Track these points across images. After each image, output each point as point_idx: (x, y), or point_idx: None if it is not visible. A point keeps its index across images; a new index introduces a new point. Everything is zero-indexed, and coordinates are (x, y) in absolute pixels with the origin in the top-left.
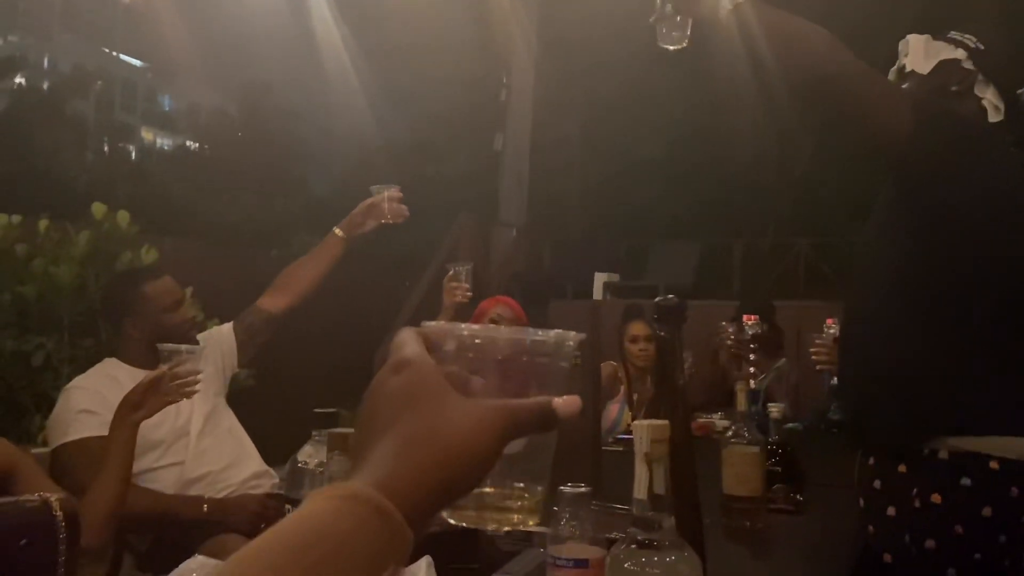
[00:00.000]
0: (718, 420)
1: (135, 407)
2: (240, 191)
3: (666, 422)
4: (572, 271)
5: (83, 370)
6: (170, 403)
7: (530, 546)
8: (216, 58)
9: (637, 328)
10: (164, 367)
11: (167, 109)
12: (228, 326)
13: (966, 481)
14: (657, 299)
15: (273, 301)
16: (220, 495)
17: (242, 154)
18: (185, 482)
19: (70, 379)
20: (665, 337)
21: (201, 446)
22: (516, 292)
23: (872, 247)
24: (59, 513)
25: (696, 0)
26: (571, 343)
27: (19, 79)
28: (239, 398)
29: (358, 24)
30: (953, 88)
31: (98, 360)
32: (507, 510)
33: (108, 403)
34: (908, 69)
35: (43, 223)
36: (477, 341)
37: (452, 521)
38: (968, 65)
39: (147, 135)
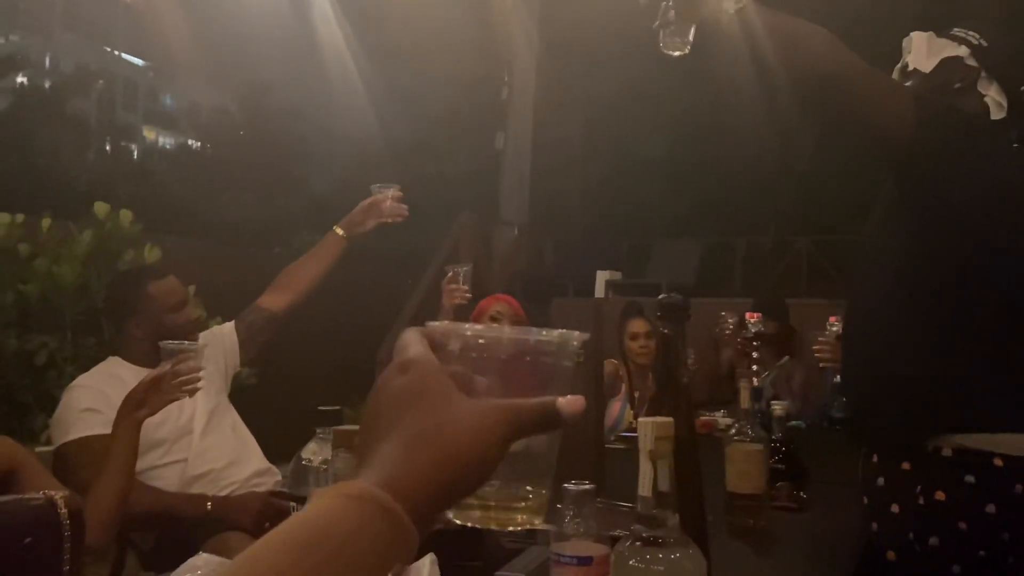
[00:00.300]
0: (721, 418)
1: (137, 405)
2: (241, 190)
3: (670, 419)
4: (574, 269)
5: (86, 369)
6: (172, 401)
7: (534, 543)
8: (217, 57)
9: (636, 325)
10: (166, 365)
11: (169, 108)
12: (230, 325)
13: (970, 478)
14: (660, 297)
15: (274, 300)
16: (223, 493)
17: (243, 153)
18: (188, 480)
19: (73, 378)
20: (668, 335)
21: (204, 444)
22: (518, 291)
23: (874, 244)
24: (63, 511)
25: (698, 5)
26: (575, 343)
27: (21, 78)
28: (242, 396)
29: (359, 23)
30: (956, 85)
31: (101, 359)
32: (511, 509)
33: (111, 402)
34: (911, 67)
35: (45, 222)
36: (481, 341)
37: (456, 521)
38: (971, 62)
39: (149, 134)
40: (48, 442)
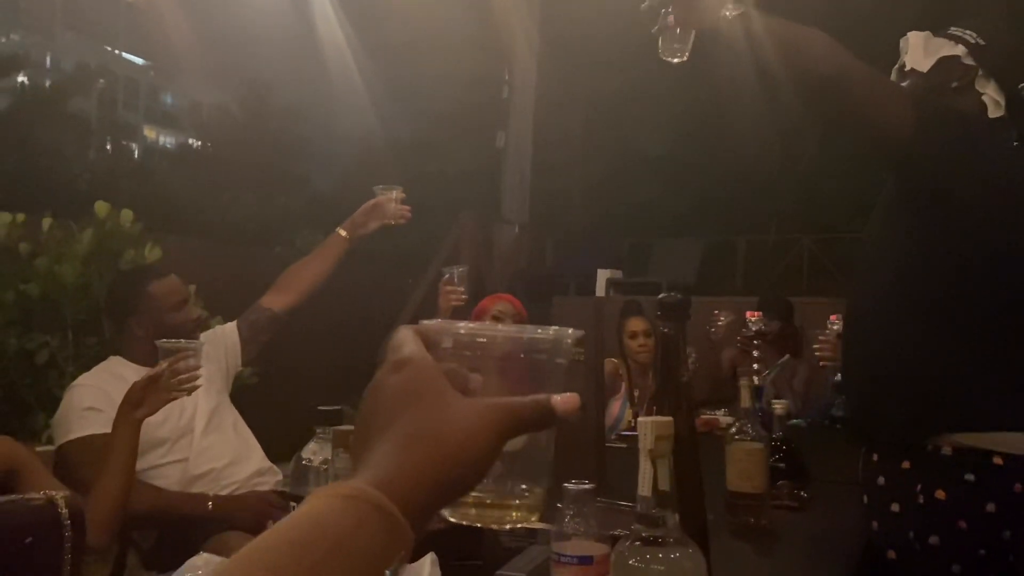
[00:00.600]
0: (722, 416)
1: (137, 404)
2: (242, 189)
3: (670, 419)
4: (575, 268)
5: (87, 368)
6: (171, 400)
7: (534, 543)
8: (218, 56)
9: (635, 324)
10: (164, 363)
11: (169, 107)
12: (231, 324)
13: (970, 477)
14: (660, 296)
15: (276, 300)
16: (224, 492)
17: (244, 152)
18: (189, 479)
19: (74, 377)
20: (668, 334)
21: (205, 443)
22: (519, 289)
23: (874, 244)
24: (64, 511)
25: (696, 12)
26: (569, 340)
27: (21, 78)
28: (243, 395)
29: (360, 22)
30: (954, 84)
31: (102, 358)
32: (507, 508)
33: (113, 401)
34: (908, 67)
35: (46, 221)
36: (475, 339)
37: (452, 519)
38: (968, 61)
39: (150, 133)
40: (49, 441)
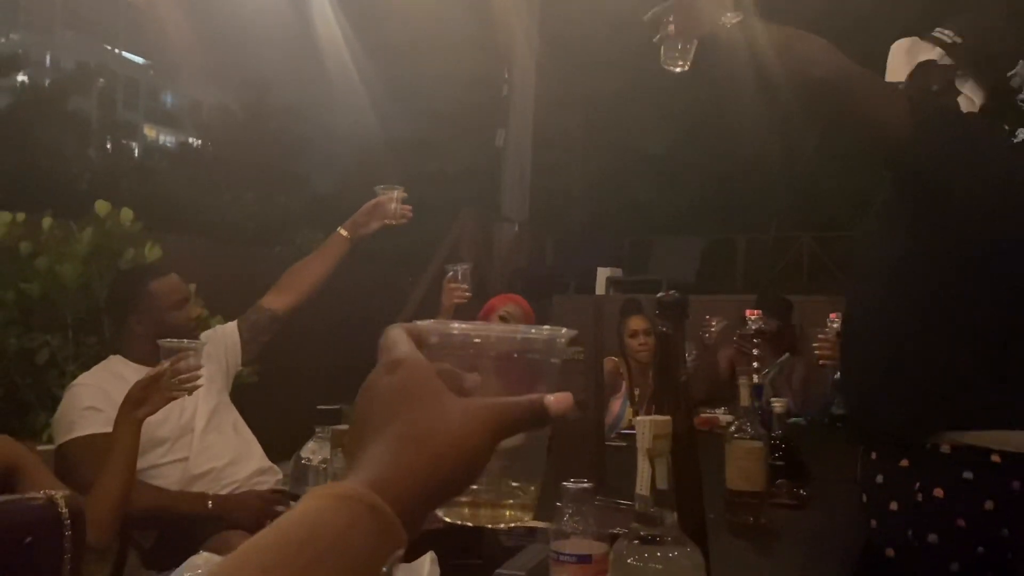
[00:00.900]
0: (721, 415)
1: (138, 404)
2: (243, 188)
3: (668, 418)
4: (575, 266)
5: (87, 367)
6: (172, 399)
7: (533, 541)
8: (218, 55)
9: (636, 323)
10: (165, 363)
11: (169, 106)
12: (232, 324)
13: (968, 475)
14: (658, 294)
15: (277, 300)
16: (224, 491)
17: (244, 151)
18: (189, 478)
19: (75, 376)
20: (667, 332)
21: (205, 442)
22: (519, 288)
23: (872, 242)
24: (64, 510)
25: (697, 21)
26: (561, 340)
27: (21, 77)
28: (243, 394)
29: (359, 21)
30: (934, 88)
31: (102, 357)
32: (501, 507)
33: (113, 400)
34: (888, 79)
35: (46, 221)
36: (469, 339)
37: (447, 519)
38: (945, 61)
39: (150, 132)
40: (49, 441)
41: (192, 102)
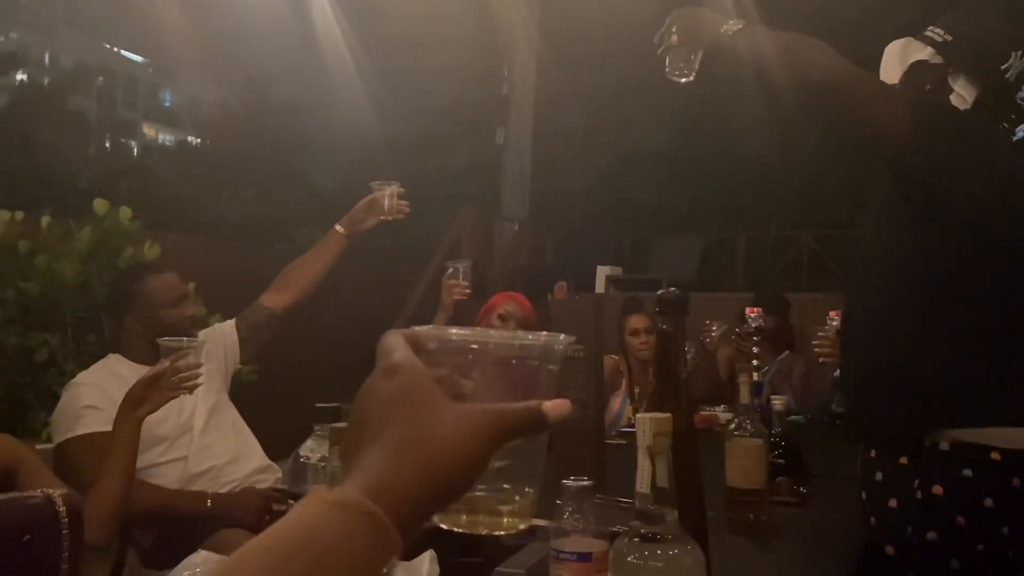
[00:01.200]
0: (721, 413)
1: (138, 403)
2: (242, 186)
3: (669, 415)
4: (574, 265)
5: (87, 366)
6: (173, 398)
7: (533, 540)
8: (217, 53)
9: (637, 321)
10: (165, 362)
11: (168, 104)
12: (231, 323)
13: (967, 472)
14: (659, 292)
15: (275, 299)
16: (223, 490)
17: (244, 149)
18: (189, 477)
19: (74, 375)
20: (667, 330)
21: (204, 441)
22: (518, 286)
23: (871, 240)
24: (62, 509)
25: (699, 31)
26: (560, 346)
27: (21, 75)
28: (242, 393)
29: (358, 18)
30: (927, 88)
31: (102, 356)
32: (498, 514)
33: (112, 399)
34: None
35: (45, 219)
36: (467, 345)
37: (443, 526)
38: (936, 60)
39: (149, 131)
40: (49, 439)
41: (191, 100)
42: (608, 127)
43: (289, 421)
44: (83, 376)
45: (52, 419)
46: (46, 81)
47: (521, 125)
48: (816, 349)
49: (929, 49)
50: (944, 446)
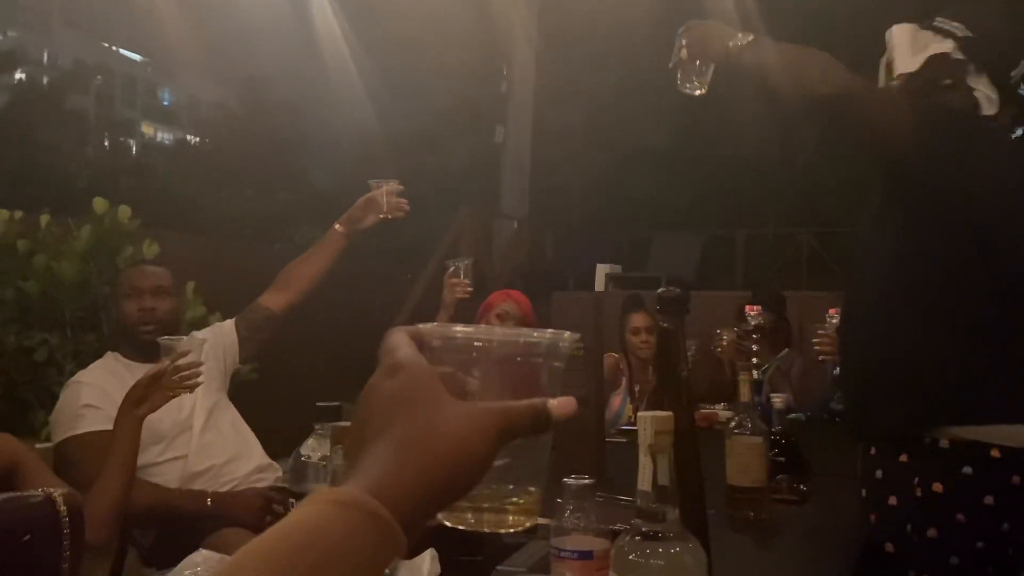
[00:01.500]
0: (722, 411)
1: (138, 402)
2: (241, 185)
3: (670, 413)
4: (574, 263)
5: (86, 365)
6: (173, 397)
7: (534, 538)
8: (216, 52)
9: (638, 319)
10: (165, 361)
11: (167, 103)
12: (230, 322)
13: (967, 470)
14: (659, 290)
15: (275, 298)
16: (223, 489)
17: (243, 148)
18: (188, 476)
19: (73, 374)
20: (668, 328)
21: (204, 440)
22: (518, 284)
23: (870, 238)
24: (62, 508)
25: (707, 45)
26: (565, 344)
27: (19, 74)
28: (242, 391)
29: (358, 17)
30: (946, 82)
31: (101, 355)
32: (503, 511)
33: (111, 398)
34: (897, 71)
35: (44, 218)
36: (471, 342)
37: (448, 524)
38: (958, 55)
39: (148, 129)
40: (48, 438)
41: (190, 99)
42: (607, 125)
43: (289, 420)
44: (82, 375)
45: (51, 418)
46: (45, 80)
47: (520, 124)
48: (816, 347)
49: (949, 42)
50: (944, 444)
